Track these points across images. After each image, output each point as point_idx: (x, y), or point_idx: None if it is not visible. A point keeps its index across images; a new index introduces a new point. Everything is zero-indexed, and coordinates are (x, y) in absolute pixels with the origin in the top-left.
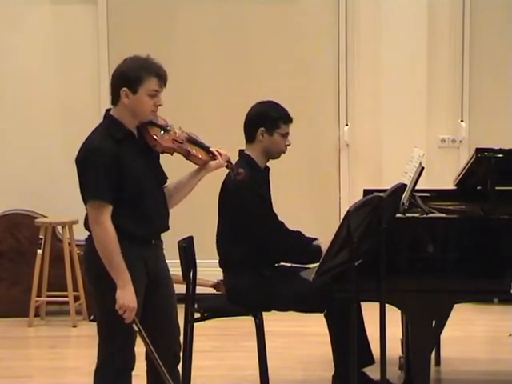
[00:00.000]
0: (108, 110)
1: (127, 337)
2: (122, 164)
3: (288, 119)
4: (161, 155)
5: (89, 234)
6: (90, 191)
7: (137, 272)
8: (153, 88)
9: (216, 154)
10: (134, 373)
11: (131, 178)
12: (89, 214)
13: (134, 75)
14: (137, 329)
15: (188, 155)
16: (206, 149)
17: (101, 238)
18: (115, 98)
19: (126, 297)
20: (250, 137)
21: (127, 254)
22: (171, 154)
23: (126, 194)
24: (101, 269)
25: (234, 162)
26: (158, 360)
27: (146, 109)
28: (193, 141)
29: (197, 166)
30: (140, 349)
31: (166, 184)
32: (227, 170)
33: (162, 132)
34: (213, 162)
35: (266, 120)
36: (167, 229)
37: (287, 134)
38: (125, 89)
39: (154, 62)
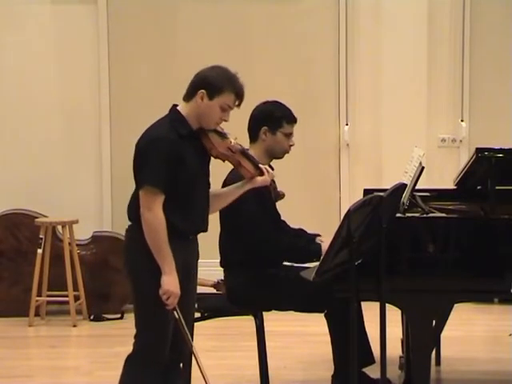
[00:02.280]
0: (175, 105)
1: (164, 329)
2: (180, 159)
3: (292, 119)
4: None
5: (129, 224)
6: (146, 177)
7: (175, 264)
8: (228, 103)
9: (264, 170)
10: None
11: (187, 174)
12: (141, 200)
13: (217, 83)
14: (177, 316)
15: (239, 165)
16: (255, 164)
17: (151, 223)
18: (189, 96)
19: (172, 282)
20: (253, 136)
21: (170, 244)
22: (223, 161)
23: (179, 189)
24: (142, 257)
25: None
26: (194, 351)
27: (213, 118)
28: (245, 153)
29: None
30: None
31: (210, 190)
32: (228, 170)
33: (220, 138)
34: (259, 178)
35: (269, 119)
36: (206, 230)
37: (291, 134)
38: (203, 91)
39: (239, 80)
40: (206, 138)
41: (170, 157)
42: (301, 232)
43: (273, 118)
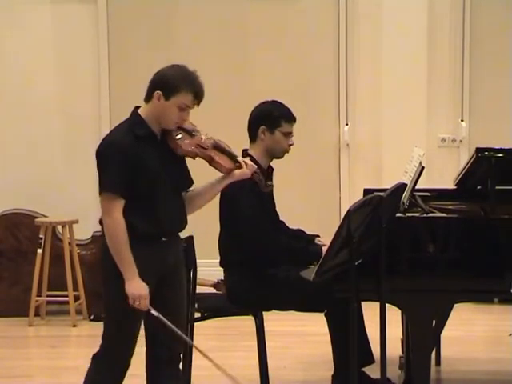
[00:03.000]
0: (137, 107)
1: (129, 334)
2: (138, 161)
3: (290, 118)
4: (188, 160)
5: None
6: (103, 183)
7: (144, 270)
8: (185, 102)
9: (242, 163)
10: (134, 372)
11: (146, 176)
12: (101, 206)
13: (173, 83)
14: (156, 314)
15: (211, 161)
16: (232, 157)
17: (110, 228)
18: (148, 97)
19: (135, 286)
20: (252, 135)
21: (136, 250)
22: (193, 158)
23: (139, 192)
24: (110, 263)
25: None
26: (183, 336)
27: (171, 119)
28: (219, 148)
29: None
30: (139, 349)
31: (191, 188)
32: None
33: (186, 136)
34: (237, 171)
35: (267, 118)
36: (179, 231)
37: (290, 133)
38: (159, 92)
39: (197, 79)
40: (169, 138)
41: (126, 160)
42: (299, 233)
43: (271, 118)
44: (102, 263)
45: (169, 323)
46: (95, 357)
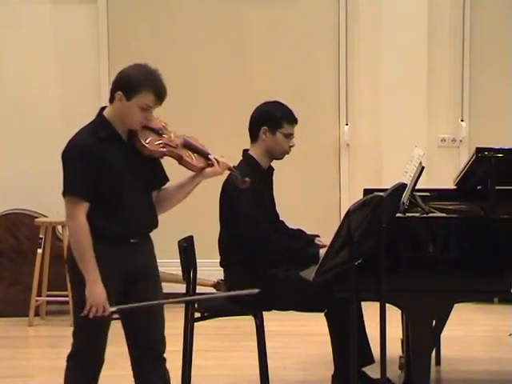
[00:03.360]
0: (103, 108)
1: (95, 334)
2: (101, 163)
3: (292, 120)
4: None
5: None
6: (66, 186)
7: (110, 272)
8: (146, 103)
9: (214, 161)
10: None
11: (110, 177)
12: (66, 210)
13: (134, 83)
14: (118, 313)
15: (180, 160)
16: (204, 155)
17: (74, 232)
18: (111, 97)
19: (94, 294)
20: (253, 136)
21: (101, 253)
22: (161, 158)
23: (104, 194)
24: (75, 265)
25: (237, 163)
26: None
27: (134, 119)
28: (189, 146)
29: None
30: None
31: (165, 186)
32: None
33: (153, 135)
34: (208, 169)
35: (269, 119)
36: (148, 231)
37: (291, 134)
38: (120, 92)
39: (159, 78)
40: (135, 138)
41: (89, 162)
42: (299, 233)
43: (273, 119)
44: (68, 265)
45: (134, 306)
46: (69, 357)
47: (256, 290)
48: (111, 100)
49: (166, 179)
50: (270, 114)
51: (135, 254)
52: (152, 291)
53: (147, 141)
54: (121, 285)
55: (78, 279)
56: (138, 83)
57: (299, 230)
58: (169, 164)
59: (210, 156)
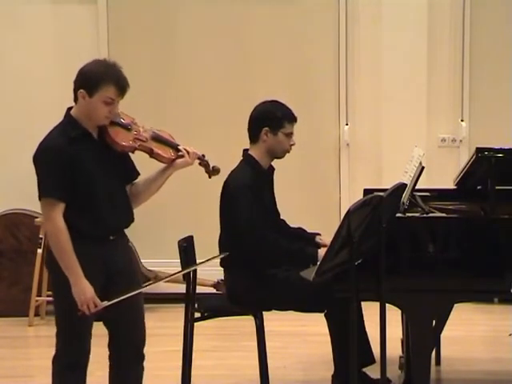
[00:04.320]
0: (70, 108)
1: (78, 335)
2: (74, 163)
3: (292, 119)
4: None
5: None
6: (41, 189)
7: (90, 271)
8: (109, 96)
9: (184, 152)
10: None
11: (83, 176)
12: (43, 213)
13: (94, 79)
14: (110, 303)
15: (151, 153)
16: (174, 147)
17: (52, 233)
18: (75, 96)
19: (81, 291)
20: (253, 136)
21: (81, 252)
22: (132, 152)
23: (79, 193)
24: (56, 265)
25: (237, 163)
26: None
27: (100, 114)
28: (158, 139)
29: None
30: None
31: (137, 180)
32: (229, 170)
33: (122, 130)
34: (179, 160)
35: (270, 119)
36: (126, 227)
37: (291, 133)
38: (82, 90)
39: (117, 70)
40: (106, 135)
41: (62, 163)
42: (300, 231)
43: (274, 119)
44: (48, 268)
45: (124, 296)
46: (54, 359)
47: (226, 253)
48: (76, 99)
49: (137, 173)
50: (271, 115)
51: (114, 251)
52: (133, 285)
53: (118, 136)
54: (102, 282)
55: (59, 281)
56: (97, 79)
57: (300, 229)
58: (139, 158)
59: (179, 147)
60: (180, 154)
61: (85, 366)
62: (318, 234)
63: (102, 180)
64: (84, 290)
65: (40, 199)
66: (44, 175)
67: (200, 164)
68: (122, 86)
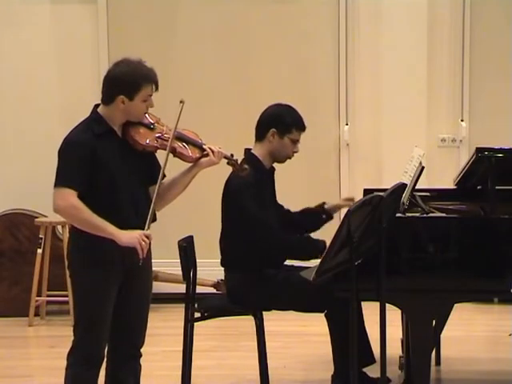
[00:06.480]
0: (97, 106)
1: (98, 328)
2: (97, 157)
3: (301, 127)
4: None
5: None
6: (59, 178)
7: (109, 266)
8: (148, 93)
9: (208, 151)
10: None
11: (105, 172)
12: (54, 198)
13: (132, 83)
14: (147, 227)
15: (174, 152)
16: (198, 146)
17: (67, 209)
18: (108, 100)
19: (126, 235)
20: (260, 135)
21: (99, 247)
22: (155, 152)
23: (100, 188)
24: (74, 258)
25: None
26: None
27: (140, 112)
28: (182, 138)
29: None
30: None
31: (163, 181)
32: (230, 169)
33: (145, 130)
34: (204, 160)
35: (280, 123)
36: (143, 226)
37: (297, 141)
38: (122, 96)
39: (148, 68)
40: (128, 135)
41: (82, 156)
42: (306, 210)
43: (283, 123)
44: (67, 257)
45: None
46: (69, 353)
47: None
48: (107, 102)
49: (163, 175)
50: (282, 118)
51: (132, 248)
52: (142, 288)
53: (138, 135)
54: (118, 279)
55: (78, 267)
56: (137, 82)
57: (305, 208)
58: (169, 159)
59: (204, 146)
60: (205, 153)
61: (99, 362)
62: (324, 204)
63: (124, 179)
64: (128, 234)
65: (54, 188)
66: (63, 165)
67: (228, 163)
68: (156, 81)
